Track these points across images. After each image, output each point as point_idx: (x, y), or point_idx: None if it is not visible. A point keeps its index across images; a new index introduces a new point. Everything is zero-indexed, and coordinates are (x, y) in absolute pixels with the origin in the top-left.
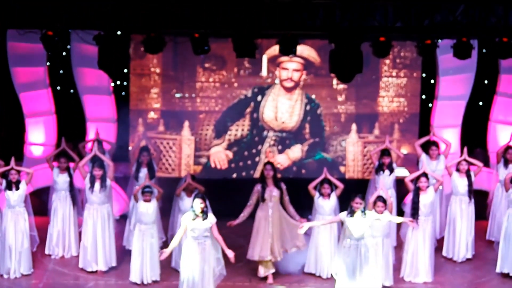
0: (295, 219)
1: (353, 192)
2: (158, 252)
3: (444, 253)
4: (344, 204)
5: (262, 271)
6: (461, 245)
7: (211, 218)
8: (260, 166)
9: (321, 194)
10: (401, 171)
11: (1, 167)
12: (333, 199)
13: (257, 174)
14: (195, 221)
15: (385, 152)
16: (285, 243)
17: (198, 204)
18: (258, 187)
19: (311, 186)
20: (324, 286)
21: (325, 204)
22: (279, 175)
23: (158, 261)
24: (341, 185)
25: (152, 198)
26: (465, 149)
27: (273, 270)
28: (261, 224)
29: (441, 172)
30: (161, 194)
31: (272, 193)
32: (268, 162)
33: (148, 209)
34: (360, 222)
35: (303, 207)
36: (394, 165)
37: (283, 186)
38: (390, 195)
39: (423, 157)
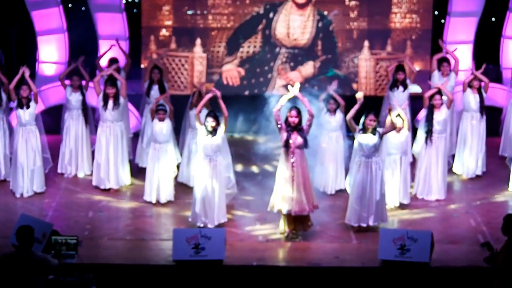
0: None
1: (366, 109)
2: (173, 172)
3: (454, 170)
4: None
5: (282, 227)
6: (472, 162)
7: (220, 131)
8: (272, 83)
9: (328, 110)
10: (414, 88)
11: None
12: (339, 115)
13: (269, 90)
14: (206, 137)
15: (400, 68)
16: (313, 196)
17: (210, 122)
18: (284, 131)
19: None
20: (336, 203)
21: (332, 120)
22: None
23: (173, 181)
24: (342, 102)
25: (165, 117)
26: (473, 64)
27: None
28: (284, 174)
29: (451, 89)
30: (172, 111)
31: (296, 140)
32: (294, 107)
33: (162, 128)
34: (372, 140)
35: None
36: (408, 81)
37: (305, 132)
38: (405, 112)
39: (435, 73)
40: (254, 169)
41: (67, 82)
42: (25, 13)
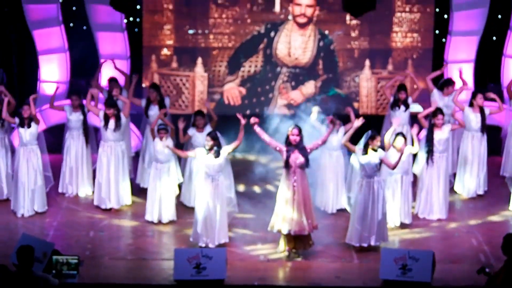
0: None
1: (368, 128)
2: (174, 192)
3: (456, 189)
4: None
5: (282, 246)
6: (473, 181)
7: (224, 152)
8: (273, 102)
9: None
10: (415, 107)
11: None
12: (341, 135)
13: (270, 109)
14: (208, 156)
15: (402, 87)
16: (313, 216)
17: (208, 141)
18: (284, 150)
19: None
20: (338, 222)
21: (333, 139)
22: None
23: (174, 201)
24: (353, 121)
25: (167, 136)
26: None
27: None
28: (284, 194)
29: (452, 108)
30: (173, 130)
31: (297, 160)
32: (296, 126)
33: (164, 148)
34: (373, 158)
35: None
36: (410, 100)
37: (308, 152)
38: (406, 131)
39: (435, 92)
40: (256, 189)
41: (67, 101)
42: (27, 32)
